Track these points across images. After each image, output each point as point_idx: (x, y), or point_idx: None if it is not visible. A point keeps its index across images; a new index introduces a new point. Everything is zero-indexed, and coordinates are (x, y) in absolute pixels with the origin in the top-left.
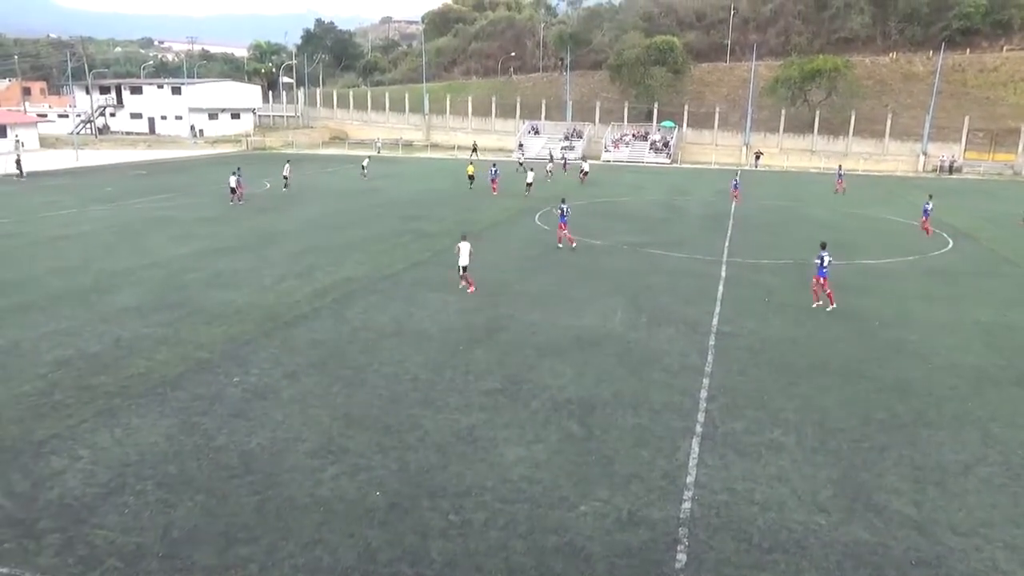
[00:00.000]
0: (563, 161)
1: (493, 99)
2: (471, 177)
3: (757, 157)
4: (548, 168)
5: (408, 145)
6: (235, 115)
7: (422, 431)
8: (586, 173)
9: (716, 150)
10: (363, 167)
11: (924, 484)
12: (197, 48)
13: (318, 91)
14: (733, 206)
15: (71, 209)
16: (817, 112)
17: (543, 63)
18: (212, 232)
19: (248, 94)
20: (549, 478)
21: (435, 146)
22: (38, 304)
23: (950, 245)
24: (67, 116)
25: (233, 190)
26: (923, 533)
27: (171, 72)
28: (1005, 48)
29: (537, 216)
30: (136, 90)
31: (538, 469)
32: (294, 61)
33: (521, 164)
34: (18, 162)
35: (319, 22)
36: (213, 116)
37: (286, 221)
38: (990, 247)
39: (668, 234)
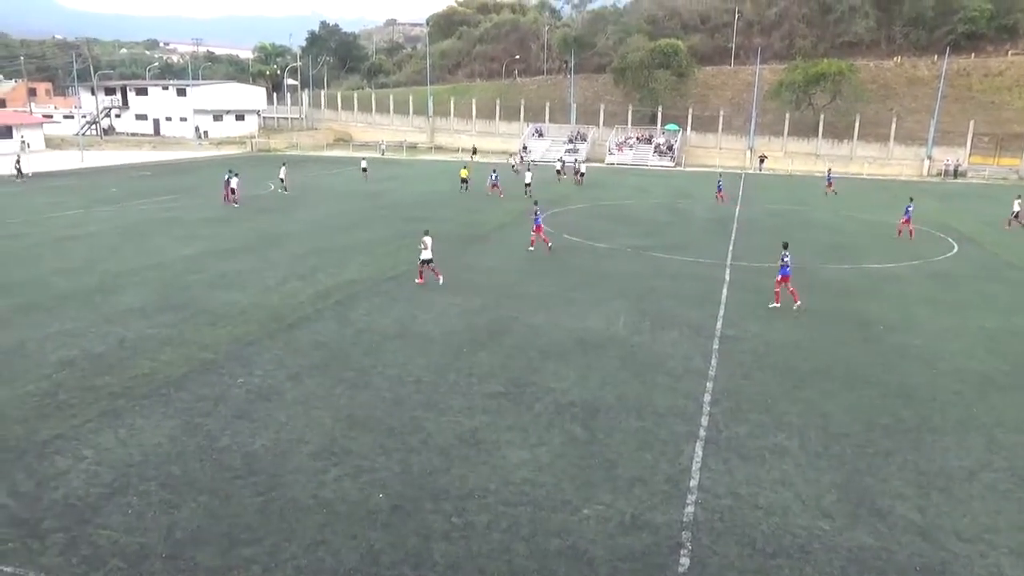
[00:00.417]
0: (560, 164)
1: (497, 102)
2: (464, 180)
3: (761, 161)
4: (515, 166)
5: (412, 147)
6: (240, 117)
7: (425, 433)
8: (583, 175)
9: (720, 153)
10: (363, 168)
11: (928, 489)
12: (202, 50)
13: (322, 93)
14: (737, 210)
15: (76, 210)
16: (821, 116)
17: (547, 66)
18: (216, 233)
19: (253, 96)
20: (552, 481)
21: (439, 148)
22: (43, 305)
23: (955, 250)
24: (72, 117)
25: (233, 190)
26: (927, 539)
27: (176, 74)
28: (1010, 52)
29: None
30: (141, 91)
31: (541, 472)
32: (299, 63)
33: (515, 167)
34: (18, 164)
35: (324, 24)
36: (218, 118)
37: (290, 223)
38: (994, 251)
39: (672, 237)
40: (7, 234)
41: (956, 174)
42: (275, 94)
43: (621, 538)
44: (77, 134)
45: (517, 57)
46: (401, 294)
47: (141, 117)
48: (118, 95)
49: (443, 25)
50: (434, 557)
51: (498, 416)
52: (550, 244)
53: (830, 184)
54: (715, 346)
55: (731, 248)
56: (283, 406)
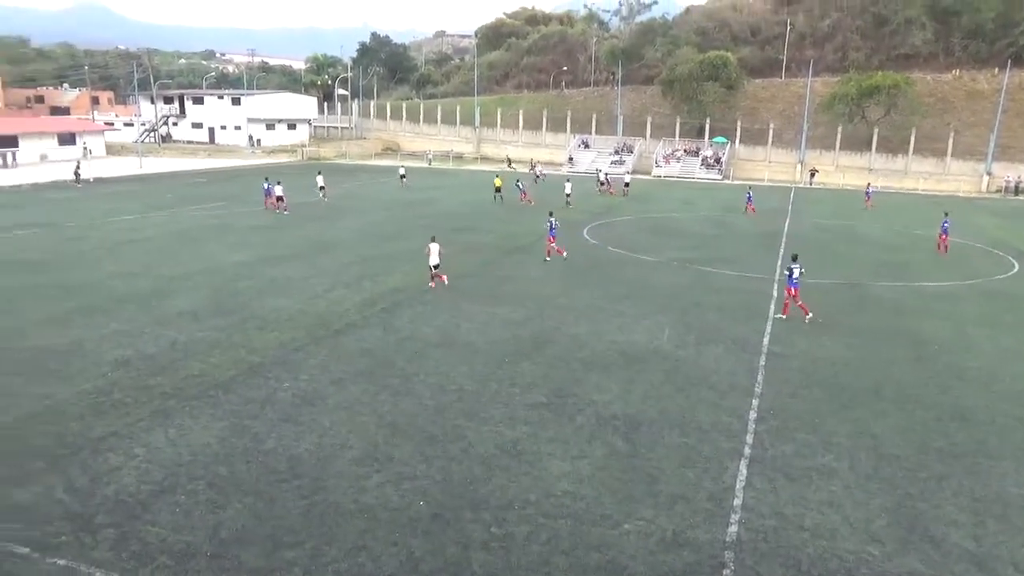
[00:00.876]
0: (598, 174)
1: (544, 113)
2: (498, 189)
3: (812, 175)
4: (538, 176)
5: (458, 157)
6: (291, 126)
7: (466, 442)
8: (627, 185)
9: (769, 167)
10: (401, 175)
11: (984, 517)
12: (257, 60)
13: (372, 103)
14: (787, 224)
15: (133, 215)
16: (875, 129)
17: (594, 77)
18: (266, 240)
19: (304, 105)
20: (593, 494)
21: (485, 159)
22: (101, 306)
23: (1015, 269)
24: (132, 125)
25: (280, 198)
26: (983, 568)
27: (231, 83)
28: None
29: (585, 230)
30: (198, 100)
31: (582, 485)
32: (349, 74)
33: (538, 177)
34: (77, 170)
35: (375, 36)
36: (270, 126)
37: (337, 230)
38: None
39: (719, 251)
40: (69, 237)
41: (1017, 191)
42: (326, 104)
43: (662, 555)
44: (136, 141)
45: (564, 69)
46: (444, 303)
47: (197, 125)
48: (176, 104)
49: (491, 37)
50: (473, 567)
51: (539, 427)
52: (564, 254)
53: (868, 199)
54: (761, 362)
55: (779, 263)
56: (327, 411)
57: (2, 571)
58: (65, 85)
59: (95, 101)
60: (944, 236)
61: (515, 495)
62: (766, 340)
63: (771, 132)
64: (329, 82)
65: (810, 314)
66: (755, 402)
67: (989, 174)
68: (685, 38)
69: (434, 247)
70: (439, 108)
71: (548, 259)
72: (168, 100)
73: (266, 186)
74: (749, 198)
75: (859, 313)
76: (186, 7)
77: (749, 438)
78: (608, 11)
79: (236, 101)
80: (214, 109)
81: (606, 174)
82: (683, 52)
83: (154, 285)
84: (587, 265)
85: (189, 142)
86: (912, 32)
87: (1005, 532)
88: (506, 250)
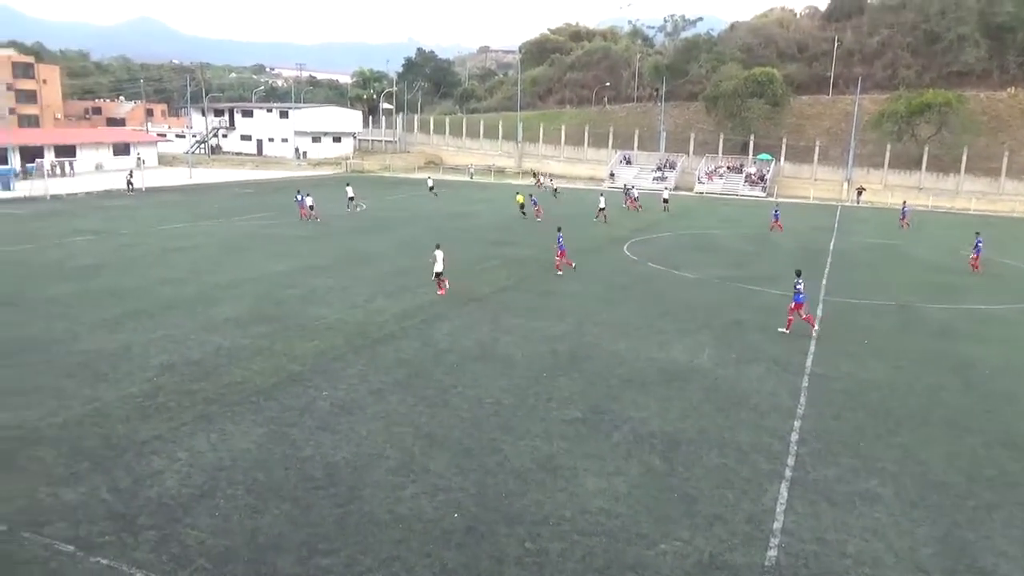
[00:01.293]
0: (624, 190)
1: (586, 128)
2: (522, 206)
3: (859, 193)
4: (555, 191)
5: (500, 171)
6: (337, 139)
7: (502, 456)
8: (666, 201)
9: (815, 185)
10: (430, 187)
11: None
12: (305, 75)
13: (416, 117)
14: (832, 243)
15: (183, 223)
16: (926, 148)
17: (637, 93)
18: (309, 250)
19: (350, 119)
20: (629, 513)
21: (527, 173)
22: (149, 311)
23: None
24: (184, 136)
25: (311, 207)
26: None
27: (280, 97)
28: None
29: (626, 246)
30: (247, 113)
31: (618, 503)
32: (394, 88)
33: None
34: (130, 178)
35: (420, 51)
36: (316, 139)
37: (378, 242)
38: None
39: (761, 269)
40: (122, 244)
41: None
42: (371, 117)
43: None
44: (187, 152)
45: (607, 84)
46: (483, 316)
47: (246, 137)
48: (226, 116)
49: (535, 52)
50: None
51: (576, 443)
52: (573, 265)
53: (904, 218)
54: (804, 383)
55: (824, 282)
56: (365, 420)
57: (48, 569)
58: (121, 97)
59: (149, 113)
60: (976, 256)
61: (550, 511)
62: (809, 361)
63: (817, 150)
64: (374, 96)
65: (816, 327)
66: (797, 423)
67: None
68: (730, 54)
69: (439, 254)
70: (481, 123)
71: (560, 273)
72: (219, 113)
73: (299, 198)
74: (776, 215)
75: (907, 335)
76: (238, 22)
77: (790, 460)
78: (652, 27)
79: (284, 114)
80: (262, 122)
81: (629, 188)
82: (728, 68)
83: (201, 292)
84: (627, 281)
85: (238, 154)
86: (965, 49)
87: None
88: (546, 264)
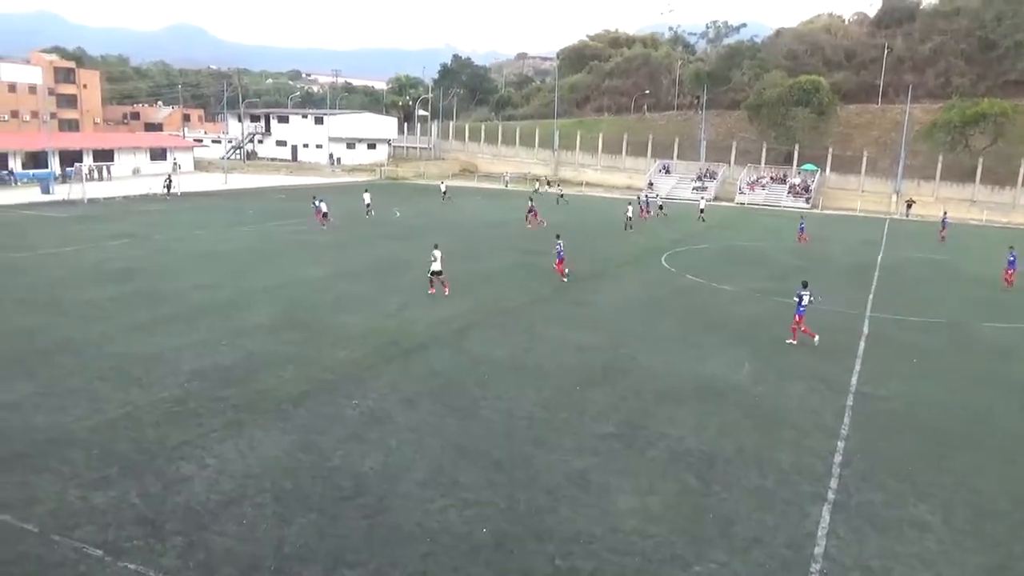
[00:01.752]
0: (644, 202)
1: (624, 136)
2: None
3: (909, 206)
4: (561, 198)
5: (536, 180)
6: (371, 145)
7: (533, 470)
8: (703, 211)
9: (862, 197)
10: (443, 192)
11: None
12: (341, 80)
13: (451, 124)
14: (880, 256)
15: (217, 228)
16: (980, 160)
17: (677, 101)
18: (341, 257)
19: (385, 125)
20: (663, 533)
21: (563, 182)
22: (182, 316)
23: None
24: (220, 142)
25: (325, 214)
26: None
27: (315, 103)
28: None
29: (663, 257)
30: (283, 119)
31: (651, 522)
32: (430, 95)
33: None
34: (168, 183)
35: (456, 57)
36: (351, 145)
37: (411, 250)
38: None
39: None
40: (157, 249)
41: None
42: (406, 124)
43: None
44: (223, 158)
45: (647, 92)
46: (517, 326)
47: (281, 143)
48: (262, 122)
49: (573, 59)
50: None
51: (609, 459)
52: (568, 275)
53: (943, 230)
54: (848, 402)
55: (871, 297)
56: (394, 431)
57: (77, 572)
58: (159, 102)
59: (186, 118)
60: (1010, 271)
61: (581, 528)
62: (854, 379)
63: (864, 160)
64: (410, 103)
65: (816, 337)
66: (840, 444)
67: None
68: (774, 61)
69: (437, 253)
70: (517, 130)
71: (565, 280)
72: (255, 118)
73: (315, 204)
74: (802, 228)
75: (959, 354)
76: (276, 28)
77: (833, 483)
78: (694, 33)
79: (319, 120)
80: (298, 128)
81: (651, 197)
82: (772, 76)
83: (233, 297)
84: (664, 293)
85: (273, 159)
86: (1022, 57)
87: None
88: (580, 275)
